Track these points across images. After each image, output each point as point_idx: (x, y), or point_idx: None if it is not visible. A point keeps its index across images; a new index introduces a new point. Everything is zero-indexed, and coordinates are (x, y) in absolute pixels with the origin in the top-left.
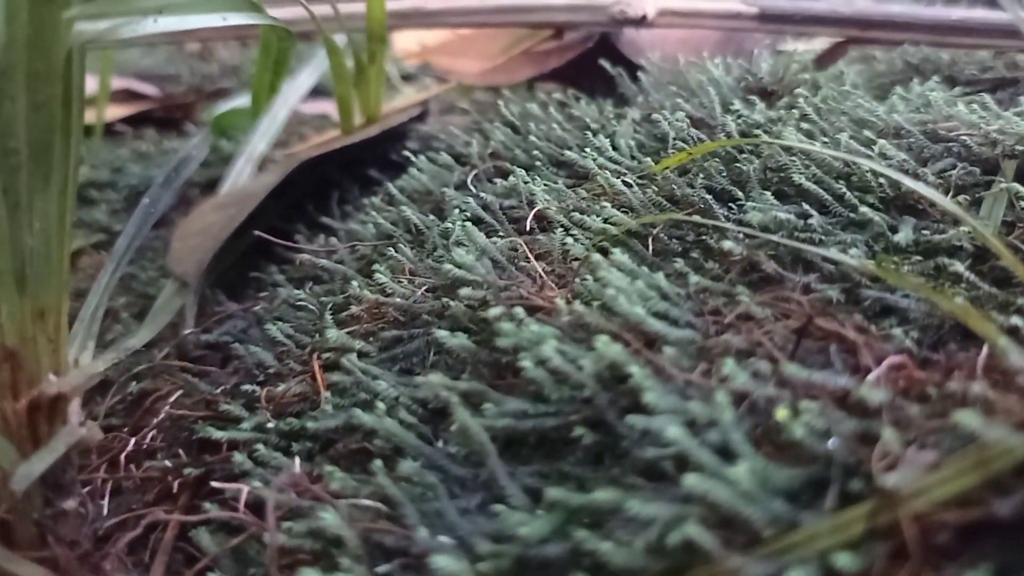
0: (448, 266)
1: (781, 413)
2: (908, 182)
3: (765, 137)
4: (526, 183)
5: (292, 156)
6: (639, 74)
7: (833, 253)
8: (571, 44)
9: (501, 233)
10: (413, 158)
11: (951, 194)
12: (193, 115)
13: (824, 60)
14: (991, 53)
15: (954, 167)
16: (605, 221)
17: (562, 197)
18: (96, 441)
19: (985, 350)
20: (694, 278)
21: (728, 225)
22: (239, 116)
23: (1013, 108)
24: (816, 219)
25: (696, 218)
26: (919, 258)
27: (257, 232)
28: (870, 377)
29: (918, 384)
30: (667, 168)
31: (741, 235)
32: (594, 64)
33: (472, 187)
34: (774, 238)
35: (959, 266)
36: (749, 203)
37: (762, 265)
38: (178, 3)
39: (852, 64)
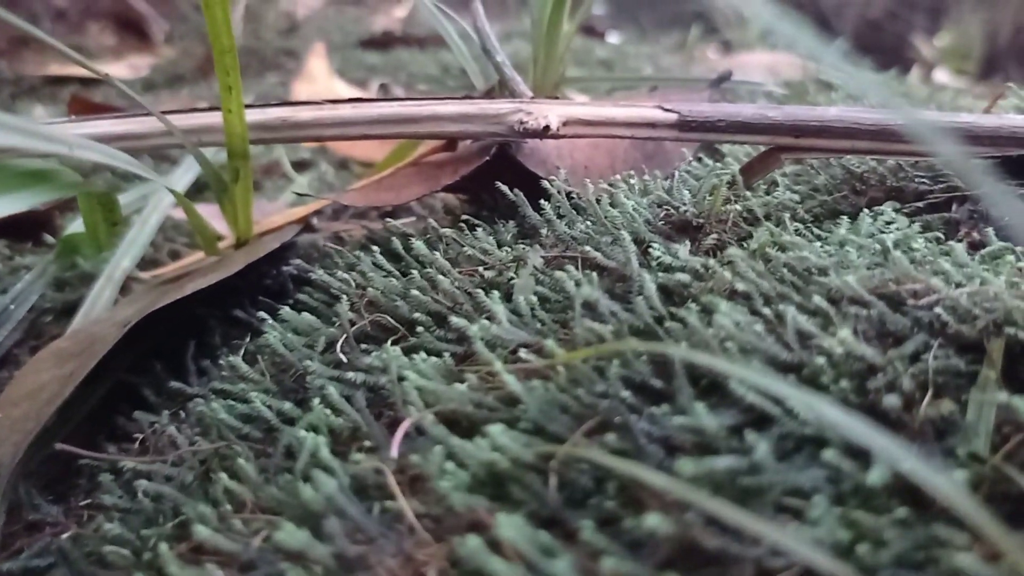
0: (282, 535)
1: None
2: (892, 453)
3: (692, 320)
4: (400, 366)
5: (157, 278)
6: (542, 202)
7: (793, 544)
8: (466, 155)
9: (367, 441)
10: (270, 320)
11: (929, 395)
12: (53, 223)
13: (753, 170)
14: (942, 160)
15: (928, 347)
16: (494, 448)
17: (442, 397)
18: None
19: None
20: (608, 563)
21: (650, 477)
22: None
23: (983, 241)
24: (762, 451)
25: (608, 459)
26: (902, 511)
27: (59, 445)
28: None
29: None
30: (572, 359)
31: (669, 487)
32: (493, 178)
33: (342, 355)
34: (710, 508)
35: (963, 556)
36: (677, 419)
37: (699, 539)
38: None
39: (787, 172)
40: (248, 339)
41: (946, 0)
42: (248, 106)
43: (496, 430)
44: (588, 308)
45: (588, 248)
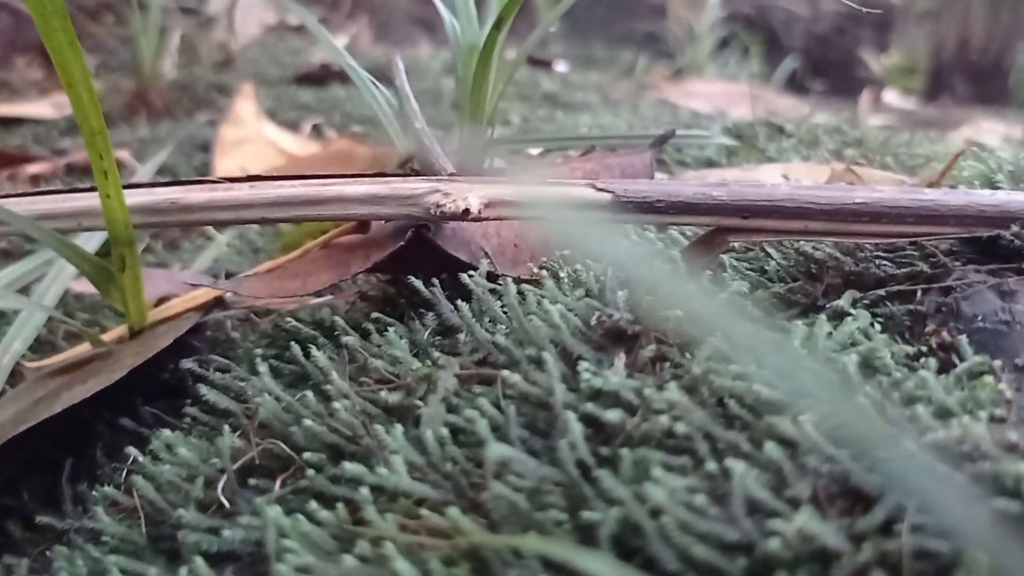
0: None
1: None
2: None
3: (621, 492)
4: (281, 527)
5: (42, 369)
6: (460, 304)
7: None
8: (379, 238)
9: None
10: (140, 458)
11: None
12: None
13: (697, 252)
14: (906, 241)
15: (901, 511)
16: None
17: None
18: None
19: None
20: None
21: None
22: None
23: (954, 345)
24: None
25: None
26: None
27: None
28: None
29: None
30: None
31: None
32: (411, 263)
33: (223, 498)
34: None
35: None
36: None
37: None
38: None
39: (736, 246)
40: (132, 459)
41: (892, 14)
42: (132, 186)
43: None
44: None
45: (506, 373)
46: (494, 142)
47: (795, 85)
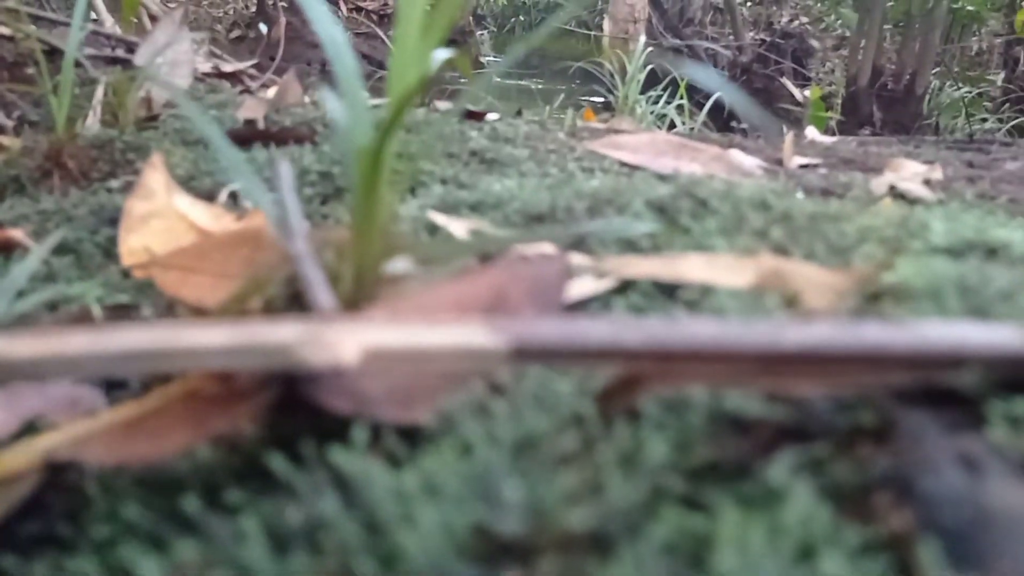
0: None
1: None
2: None
3: None
4: None
5: None
6: (324, 498)
7: None
8: (245, 390)
9: None
10: None
11: None
12: None
13: (611, 399)
14: (852, 388)
15: None
16: None
17: None
18: None
19: None
20: None
21: None
22: None
23: (909, 539)
24: None
25: None
26: None
27: None
28: None
29: None
30: None
31: None
32: (282, 416)
33: None
34: None
35: None
36: None
37: None
38: None
39: (655, 394)
40: None
41: (809, 44)
42: None
43: None
44: None
45: None
46: (393, 248)
47: (722, 118)
